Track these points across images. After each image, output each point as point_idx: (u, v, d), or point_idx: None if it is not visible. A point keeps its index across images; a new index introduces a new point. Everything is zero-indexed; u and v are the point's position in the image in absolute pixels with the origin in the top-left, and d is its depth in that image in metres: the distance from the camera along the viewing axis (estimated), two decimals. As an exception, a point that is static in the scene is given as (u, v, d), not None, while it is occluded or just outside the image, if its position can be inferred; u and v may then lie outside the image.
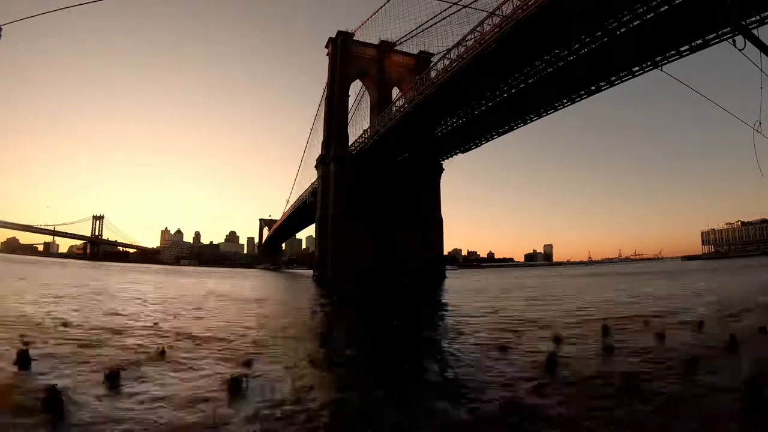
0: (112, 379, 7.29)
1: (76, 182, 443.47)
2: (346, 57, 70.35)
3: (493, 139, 61.19)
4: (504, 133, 59.23)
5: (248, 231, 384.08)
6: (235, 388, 7.05)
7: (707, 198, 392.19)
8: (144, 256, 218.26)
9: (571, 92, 47.97)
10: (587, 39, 37.91)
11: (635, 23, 34.65)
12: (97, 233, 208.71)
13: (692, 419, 5.74)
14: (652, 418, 5.81)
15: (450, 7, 42.64)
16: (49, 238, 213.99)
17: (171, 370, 8.27)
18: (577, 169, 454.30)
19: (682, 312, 17.16)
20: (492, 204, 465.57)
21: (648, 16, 32.90)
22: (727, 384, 6.90)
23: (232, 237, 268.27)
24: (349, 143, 69.86)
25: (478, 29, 42.01)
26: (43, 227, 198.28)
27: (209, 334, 12.64)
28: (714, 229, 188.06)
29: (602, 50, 38.21)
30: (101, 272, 70.10)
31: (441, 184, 75.31)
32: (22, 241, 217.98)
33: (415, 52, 65.79)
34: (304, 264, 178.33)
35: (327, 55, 72.64)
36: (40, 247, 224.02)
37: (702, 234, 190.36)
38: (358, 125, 73.33)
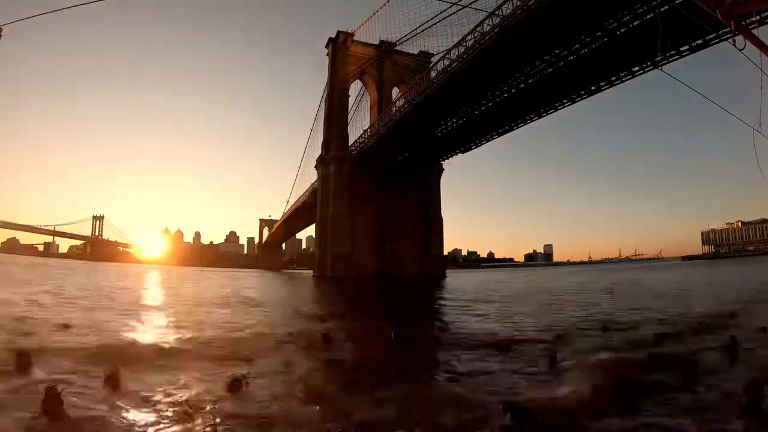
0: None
1: (76, 182, 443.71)
2: (346, 57, 70.39)
3: (493, 138, 61.34)
4: (504, 133, 59.34)
5: (248, 231, 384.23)
6: (235, 387, 7.10)
7: (707, 198, 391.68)
8: (144, 256, 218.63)
9: (571, 92, 48.06)
10: (587, 39, 38.02)
11: (635, 23, 34.75)
12: (97, 233, 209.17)
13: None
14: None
15: (450, 7, 42.69)
16: (49, 238, 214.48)
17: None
18: (576, 169, 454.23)
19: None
20: (492, 204, 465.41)
21: (648, 17, 32.99)
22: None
23: (232, 237, 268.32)
24: (349, 143, 69.90)
25: (478, 29, 42.07)
26: (43, 227, 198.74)
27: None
28: (714, 229, 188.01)
29: (602, 50, 38.31)
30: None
31: (441, 184, 75.61)
32: (22, 241, 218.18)
33: (416, 52, 65.87)
34: (304, 264, 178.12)
35: (327, 55, 72.67)
36: (40, 248, 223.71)
37: (702, 234, 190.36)
38: (358, 125, 73.51)
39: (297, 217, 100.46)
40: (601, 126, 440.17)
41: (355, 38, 70.11)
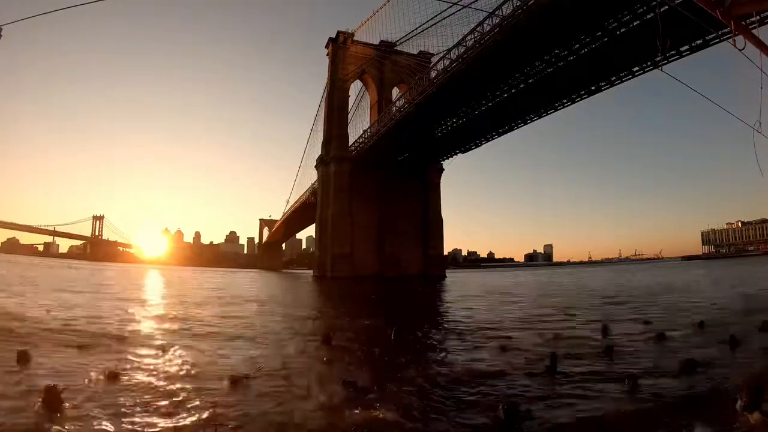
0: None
1: (76, 182, 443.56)
2: (346, 57, 70.35)
3: (493, 138, 61.31)
4: (504, 132, 59.31)
5: (248, 231, 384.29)
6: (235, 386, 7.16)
7: (707, 198, 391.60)
8: (144, 256, 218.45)
9: (571, 92, 48.06)
10: (587, 39, 38.00)
11: (635, 23, 34.76)
12: (97, 233, 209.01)
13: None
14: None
15: (450, 7, 42.69)
16: (49, 238, 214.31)
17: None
18: (576, 169, 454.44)
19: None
20: (492, 204, 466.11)
21: (648, 17, 32.99)
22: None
23: (232, 237, 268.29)
24: (349, 143, 69.88)
25: (477, 29, 42.04)
26: (43, 227, 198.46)
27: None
28: (714, 229, 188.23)
29: (602, 50, 38.29)
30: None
31: (441, 184, 75.61)
32: (22, 241, 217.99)
33: (416, 52, 65.77)
34: (304, 264, 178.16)
35: (327, 55, 72.60)
36: (40, 248, 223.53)
37: (702, 234, 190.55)
38: (358, 125, 73.45)
39: (297, 217, 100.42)
40: (601, 126, 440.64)
41: (355, 38, 70.06)
